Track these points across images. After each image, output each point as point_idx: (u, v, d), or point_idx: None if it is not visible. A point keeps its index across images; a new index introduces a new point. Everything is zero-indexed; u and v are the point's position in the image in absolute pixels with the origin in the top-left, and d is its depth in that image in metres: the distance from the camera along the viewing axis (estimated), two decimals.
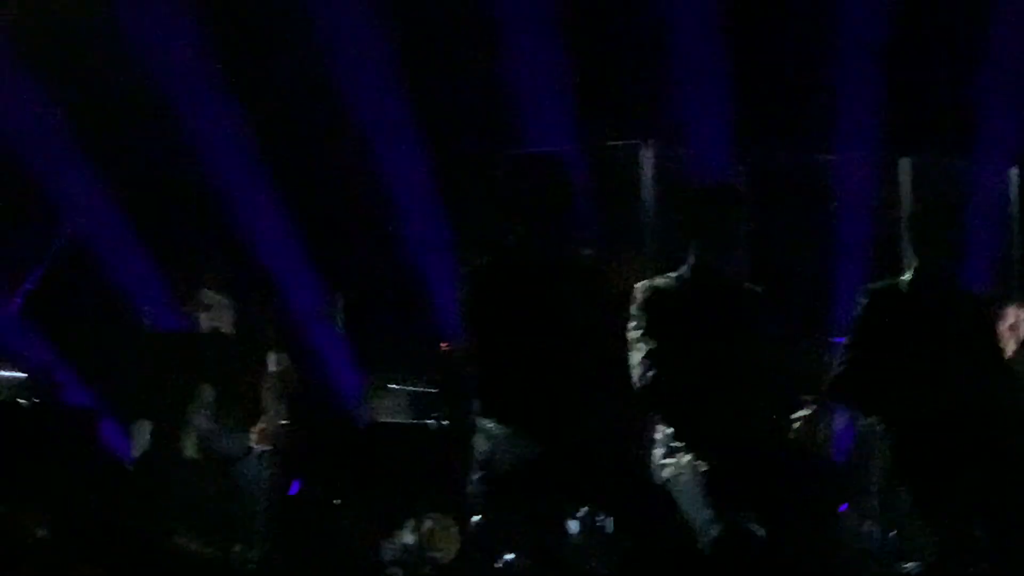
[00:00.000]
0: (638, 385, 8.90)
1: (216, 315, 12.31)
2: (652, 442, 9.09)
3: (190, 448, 11.36)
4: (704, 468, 8.78)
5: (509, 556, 9.62)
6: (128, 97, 14.21)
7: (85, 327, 13.44)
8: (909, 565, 10.20)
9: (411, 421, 12.10)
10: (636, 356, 8.86)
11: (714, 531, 8.48)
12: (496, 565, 9.85)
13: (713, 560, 7.98)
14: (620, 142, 12.73)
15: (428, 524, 11.46)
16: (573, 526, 9.48)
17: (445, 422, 11.45)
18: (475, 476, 8.69)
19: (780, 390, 9.39)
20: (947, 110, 14.74)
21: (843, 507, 10.36)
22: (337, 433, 12.30)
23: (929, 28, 15.25)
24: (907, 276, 9.31)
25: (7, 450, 10.59)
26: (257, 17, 14.74)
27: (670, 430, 9.04)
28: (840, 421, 11.11)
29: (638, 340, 8.88)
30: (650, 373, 8.89)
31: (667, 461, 8.93)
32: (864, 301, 9.34)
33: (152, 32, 14.45)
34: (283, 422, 11.37)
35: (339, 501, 11.92)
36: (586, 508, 9.43)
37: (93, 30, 14.23)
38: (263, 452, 11.27)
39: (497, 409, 8.56)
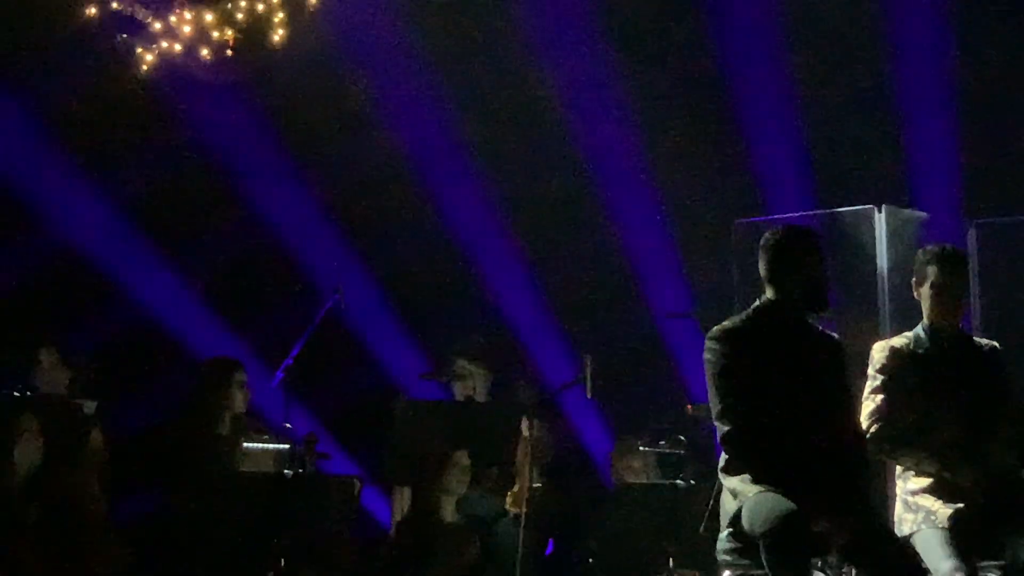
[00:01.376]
0: (876, 447, 9.28)
1: (470, 384, 12.68)
2: (887, 498, 9.45)
3: (448, 512, 11.48)
4: (944, 524, 9.12)
5: None
6: (387, 179, 14.41)
7: (345, 398, 13.61)
8: None
9: (659, 481, 12.00)
10: (868, 408, 9.21)
11: None
12: None
13: None
14: (857, 207, 12.85)
15: (668, 571, 11.59)
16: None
17: (692, 481, 11.36)
18: (724, 533, 9.06)
19: (1016, 442, 9.65)
20: None
21: None
22: (588, 494, 12.38)
23: None
24: None
25: (273, 520, 10.75)
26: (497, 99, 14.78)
27: (910, 486, 9.36)
28: None
29: (873, 394, 9.22)
30: (878, 427, 9.27)
31: (907, 515, 9.27)
32: None
33: (400, 113, 14.69)
34: (536, 485, 11.66)
35: (592, 560, 12.04)
36: (834, 560, 9.03)
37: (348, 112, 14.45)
38: (518, 515, 11.49)
39: (747, 465, 8.85)
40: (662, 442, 12.24)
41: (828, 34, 15.10)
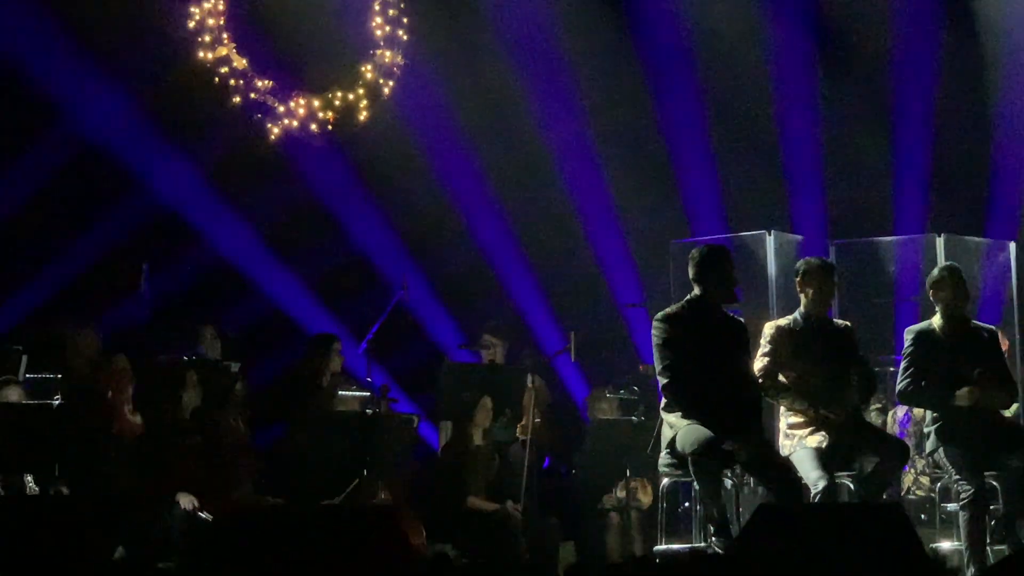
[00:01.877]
0: (766, 391, 9.41)
1: (492, 352, 12.78)
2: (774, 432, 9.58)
3: (478, 439, 11.48)
4: (813, 446, 9.22)
5: (686, 504, 10.03)
6: (436, 209, 14.50)
7: (408, 360, 13.69)
8: None
9: (620, 418, 12.04)
10: (759, 363, 9.36)
11: (820, 486, 8.93)
12: (679, 510, 10.29)
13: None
14: (754, 232, 12.81)
15: (633, 484, 11.75)
16: (728, 483, 9.32)
17: (643, 418, 11.39)
18: (664, 453, 9.17)
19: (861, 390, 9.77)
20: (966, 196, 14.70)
21: None
22: (572, 427, 12.47)
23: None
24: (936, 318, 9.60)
25: (359, 444, 10.81)
26: (508, 153, 14.79)
27: (788, 420, 9.48)
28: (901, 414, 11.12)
29: (764, 356, 9.35)
30: (765, 380, 9.40)
31: (783, 443, 9.38)
32: (911, 336, 9.66)
33: (445, 164, 14.63)
34: (537, 421, 11.70)
35: (574, 472, 12.27)
36: (738, 469, 9.26)
37: (409, 163, 14.56)
38: (524, 440, 11.58)
39: (679, 404, 9.12)
40: (622, 391, 12.30)
41: (732, 93, 15.03)
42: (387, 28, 14.46)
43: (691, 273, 9.31)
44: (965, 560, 9.03)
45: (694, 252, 9.40)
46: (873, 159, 14.77)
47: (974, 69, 14.81)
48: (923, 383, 9.47)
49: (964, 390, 9.23)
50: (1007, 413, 10.08)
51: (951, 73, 14.82)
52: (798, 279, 9.65)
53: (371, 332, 12.77)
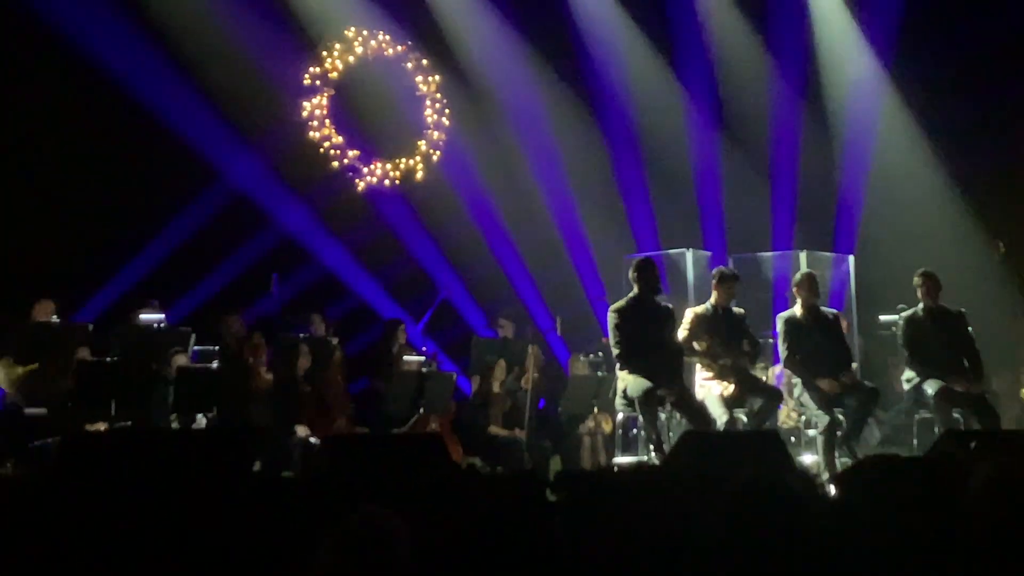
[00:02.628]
0: (687, 354, 9.33)
1: (506, 330, 12.70)
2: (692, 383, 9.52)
3: (496, 388, 11.48)
4: (718, 392, 9.17)
5: (635, 431, 9.94)
6: (467, 233, 14.34)
7: (450, 336, 13.52)
8: None
9: (590, 374, 11.84)
10: (682, 334, 9.20)
11: (723, 419, 8.86)
12: (630, 435, 10.18)
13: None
14: (678, 250, 12.73)
15: (599, 418, 11.54)
16: (661, 416, 9.24)
17: (606, 374, 11.18)
18: (619, 396, 9.17)
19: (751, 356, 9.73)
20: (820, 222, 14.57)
21: None
22: (558, 380, 12.26)
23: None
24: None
25: (417, 392, 10.62)
26: (508, 186, 14.72)
27: (701, 374, 9.46)
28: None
29: (690, 337, 9.25)
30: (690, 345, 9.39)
31: (698, 391, 9.33)
32: (781, 320, 9.63)
33: (474, 203, 14.64)
34: (535, 375, 11.63)
35: (560, 410, 11.83)
36: (669, 408, 9.25)
37: (450, 204, 14.56)
38: (527, 389, 11.50)
39: (628, 365, 9.03)
40: (591, 356, 12.30)
41: (661, 149, 14.60)
42: (435, 116, 14.39)
43: (631, 277, 9.38)
44: (821, 468, 9.02)
45: (635, 262, 9.56)
46: (758, 195, 14.55)
47: (824, 134, 14.66)
48: (797, 356, 9.43)
49: (825, 381, 9.25)
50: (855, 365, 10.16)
51: (810, 134, 14.61)
52: (713, 281, 9.72)
53: (425, 317, 12.86)
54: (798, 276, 9.88)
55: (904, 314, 9.74)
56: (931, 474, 3.10)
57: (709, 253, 12.87)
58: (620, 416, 10.11)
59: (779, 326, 9.61)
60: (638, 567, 2.56)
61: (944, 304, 9.62)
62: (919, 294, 9.68)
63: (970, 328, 9.59)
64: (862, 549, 2.53)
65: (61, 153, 11.45)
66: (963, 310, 9.66)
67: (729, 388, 9.25)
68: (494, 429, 11.18)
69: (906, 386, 9.72)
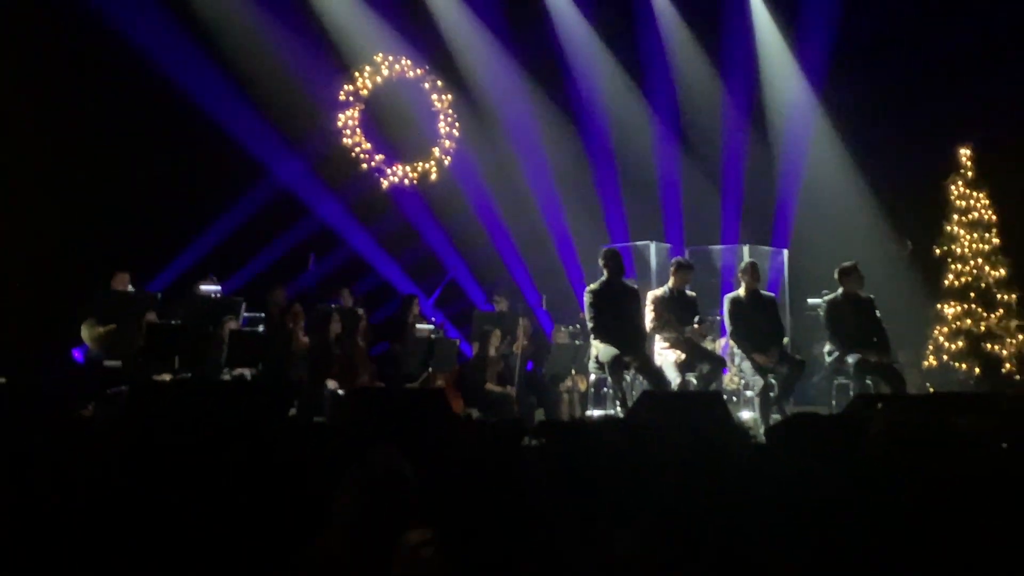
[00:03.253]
0: (650, 329, 9.30)
1: (501, 305, 12.62)
2: (652, 351, 9.48)
3: (492, 352, 11.25)
4: (673, 359, 9.15)
5: (605, 389, 9.89)
6: (472, 227, 14.23)
7: (455, 309, 13.46)
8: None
9: (570, 343, 11.69)
10: (648, 316, 9.17)
11: (677, 381, 8.84)
12: (601, 392, 10.16)
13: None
14: (643, 243, 12.73)
15: (576, 378, 11.35)
16: (627, 378, 9.04)
17: (583, 342, 11.06)
18: (592, 360, 9.16)
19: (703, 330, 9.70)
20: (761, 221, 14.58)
21: None
22: (544, 347, 12.12)
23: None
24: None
25: (428, 353, 10.67)
26: (508, 188, 14.80)
27: (660, 344, 9.41)
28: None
29: (654, 316, 9.22)
30: (653, 323, 9.31)
31: (657, 358, 9.29)
32: (728, 300, 9.61)
33: (477, 198, 14.76)
34: (525, 343, 11.62)
35: (543, 371, 11.72)
36: (633, 372, 9.05)
37: (458, 200, 14.67)
38: (519, 354, 11.44)
39: (600, 336, 8.94)
40: (571, 327, 12.21)
41: (630, 156, 14.64)
42: (447, 128, 14.36)
43: (600, 264, 9.32)
44: (756, 423, 9.01)
45: (604, 251, 9.46)
46: (710, 197, 14.56)
47: (766, 147, 14.70)
48: (740, 331, 9.40)
49: (762, 356, 9.21)
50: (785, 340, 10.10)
51: (754, 147, 14.67)
52: (672, 269, 9.68)
53: (435, 293, 12.92)
54: (743, 264, 9.84)
55: (827, 298, 9.74)
56: (843, 428, 3.12)
57: (669, 245, 12.90)
58: (593, 377, 10.18)
59: (725, 306, 9.57)
60: (601, 498, 2.57)
61: (859, 292, 9.63)
62: (841, 283, 9.69)
63: (877, 311, 9.59)
64: (786, 486, 2.53)
65: (141, 155, 11.40)
66: (871, 296, 9.65)
67: (682, 356, 9.21)
68: (489, 386, 11.08)
69: (827, 358, 9.72)
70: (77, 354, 9.90)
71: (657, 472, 2.62)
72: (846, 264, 9.71)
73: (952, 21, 12.71)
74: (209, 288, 10.54)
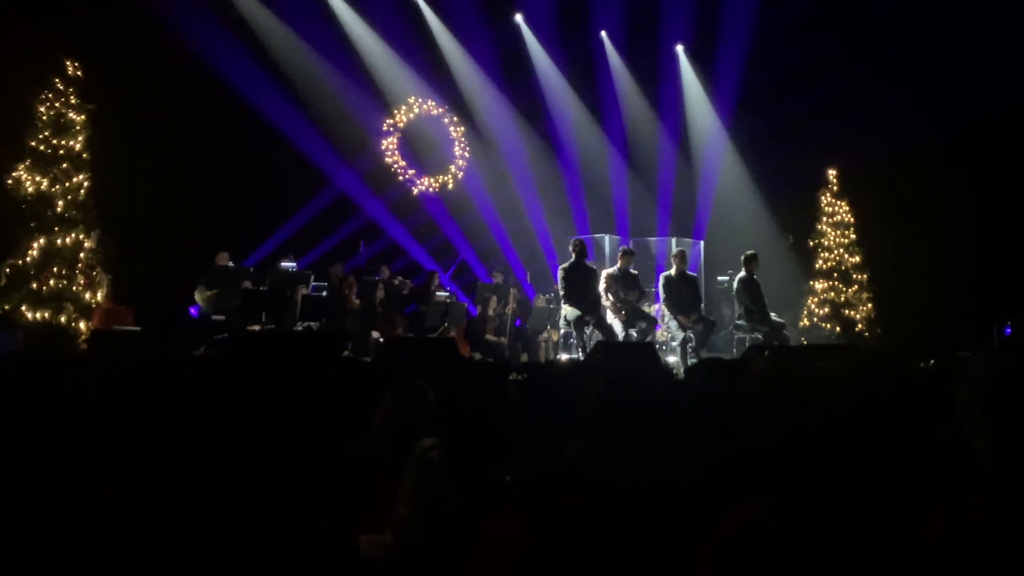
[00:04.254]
0: (609, 302, 9.17)
1: (498, 278, 12.37)
2: (605, 313, 9.35)
3: (490, 312, 11.19)
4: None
5: (570, 340, 9.85)
6: (479, 224, 14.32)
7: (463, 282, 13.38)
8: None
9: (547, 306, 11.58)
10: (603, 290, 9.12)
11: (622, 335, 8.77)
12: (568, 341, 10.13)
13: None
14: (600, 235, 12.68)
15: (550, 331, 11.29)
16: (587, 331, 8.99)
17: (555, 306, 11.04)
18: (562, 320, 9.12)
19: (641, 297, 9.61)
20: (685, 219, 14.50)
21: None
22: (527, 309, 11.94)
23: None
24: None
25: (443, 313, 10.49)
26: (512, 193, 14.63)
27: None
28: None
29: (606, 289, 9.17)
30: (605, 292, 9.17)
31: (608, 317, 9.23)
32: (663, 277, 9.54)
33: (481, 202, 14.59)
34: (513, 306, 11.53)
35: (528, 327, 11.58)
36: (591, 327, 9.02)
37: (468, 204, 14.45)
38: (509, 314, 11.33)
39: (568, 302, 8.89)
40: (548, 295, 12.09)
41: (591, 169, 14.45)
42: (460, 151, 14.19)
43: (570, 249, 9.26)
44: (678, 365, 9.06)
45: (573, 241, 9.37)
46: (649, 202, 14.51)
47: (689, 164, 14.64)
48: (670, 299, 9.36)
49: (684, 318, 9.19)
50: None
51: (681, 164, 14.56)
52: (619, 254, 9.65)
53: (450, 270, 12.83)
54: (675, 251, 9.85)
55: (738, 276, 9.72)
56: (739, 368, 3.15)
57: (619, 237, 12.88)
58: (562, 331, 10.18)
59: (660, 281, 9.57)
60: (561, 415, 2.62)
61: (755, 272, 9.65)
62: (744, 265, 9.69)
63: (761, 286, 9.65)
64: (698, 412, 2.58)
65: (239, 167, 11.37)
66: (756, 276, 9.66)
67: (624, 317, 9.30)
68: (488, 337, 11.08)
69: (737, 320, 9.74)
70: (192, 311, 9.89)
71: (603, 397, 2.64)
72: (749, 252, 9.73)
73: (825, 74, 12.67)
74: (288, 264, 10.53)
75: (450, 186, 14.08)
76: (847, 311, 12.45)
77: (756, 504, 1.82)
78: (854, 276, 12.65)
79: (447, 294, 11.39)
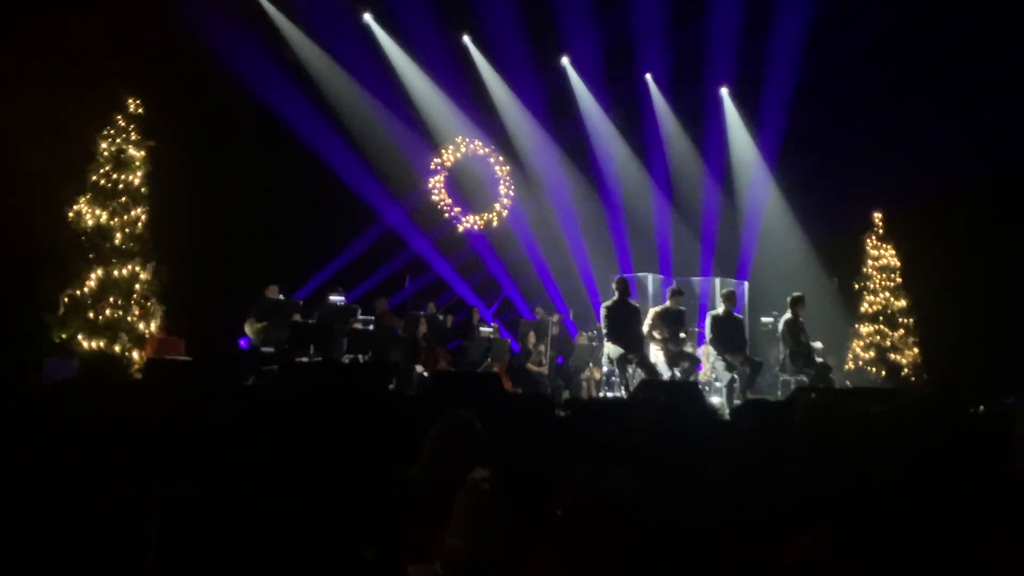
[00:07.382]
0: (647, 335, 9.11)
1: (540, 315, 12.39)
2: (649, 352, 9.28)
3: (531, 346, 11.16)
4: (663, 358, 9.05)
5: (613, 378, 9.78)
6: (520, 260, 14.33)
7: (507, 317, 13.31)
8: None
9: (589, 344, 11.42)
10: (648, 328, 9.06)
11: (667, 375, 8.71)
12: (611, 380, 10.08)
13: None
14: (643, 273, 12.62)
15: (592, 369, 11.17)
16: (629, 370, 8.95)
17: (597, 344, 10.93)
18: (605, 357, 9.06)
19: (688, 337, 9.54)
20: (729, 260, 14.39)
21: None
22: (569, 346, 11.92)
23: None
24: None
25: (489, 350, 10.59)
26: (549, 228, 14.66)
27: (653, 347, 9.26)
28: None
29: (652, 326, 9.09)
30: (655, 332, 9.08)
31: (652, 356, 9.16)
32: (710, 316, 9.46)
33: (526, 239, 14.53)
34: (554, 340, 11.60)
35: (570, 364, 11.54)
36: (634, 366, 8.98)
37: (510, 238, 14.45)
38: (549, 352, 11.51)
39: (611, 339, 8.86)
40: (590, 332, 11.94)
41: (634, 210, 14.45)
42: (505, 189, 14.27)
43: (613, 287, 9.23)
44: (723, 406, 8.94)
45: (616, 279, 9.32)
46: (693, 242, 14.44)
47: (733, 206, 14.62)
48: (717, 339, 9.25)
49: (731, 357, 9.08)
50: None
51: (725, 206, 14.55)
52: (669, 293, 9.60)
53: (494, 306, 12.82)
54: (725, 291, 9.74)
55: (783, 318, 9.62)
56: (784, 410, 3.12)
57: (662, 276, 12.78)
58: (605, 369, 10.11)
59: (708, 320, 9.46)
60: (605, 449, 2.62)
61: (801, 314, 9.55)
62: (791, 307, 9.57)
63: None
64: (740, 447, 2.57)
65: (290, 205, 11.60)
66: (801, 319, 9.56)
67: (669, 355, 9.20)
68: (530, 367, 11.02)
69: (781, 358, 9.60)
70: (243, 343, 10.04)
71: (650, 435, 2.64)
72: (796, 294, 9.63)
73: (871, 113, 12.61)
74: (336, 298, 10.64)
75: (495, 223, 14.16)
76: (893, 355, 12.24)
77: (817, 536, 1.80)
78: (900, 320, 12.45)
79: (490, 330, 11.43)
